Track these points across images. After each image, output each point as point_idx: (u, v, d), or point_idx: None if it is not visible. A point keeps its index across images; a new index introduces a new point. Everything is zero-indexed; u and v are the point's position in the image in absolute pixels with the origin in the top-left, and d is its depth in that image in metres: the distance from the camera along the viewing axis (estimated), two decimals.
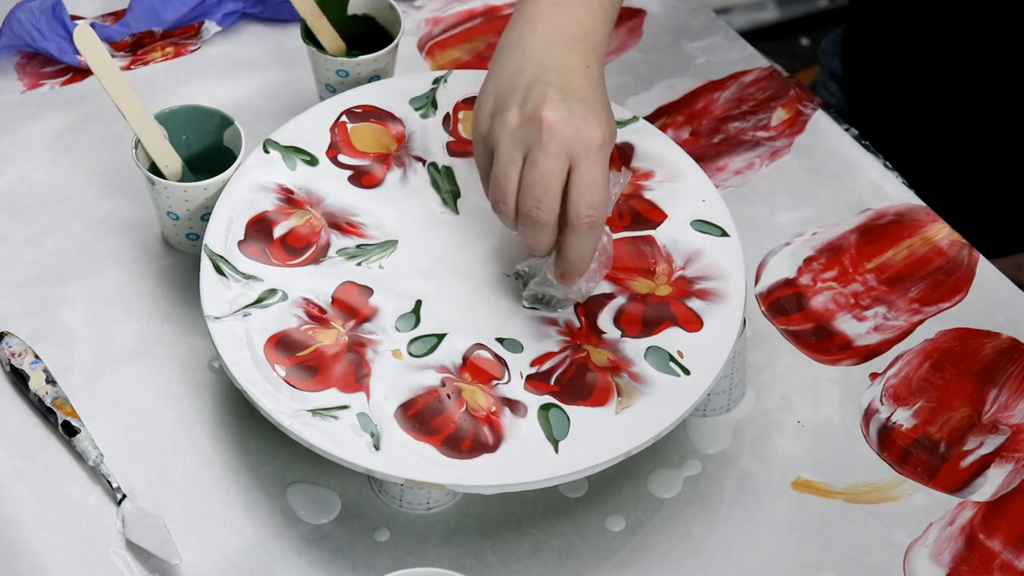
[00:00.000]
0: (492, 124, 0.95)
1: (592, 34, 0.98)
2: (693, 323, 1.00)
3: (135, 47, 1.24)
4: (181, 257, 1.11)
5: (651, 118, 1.21)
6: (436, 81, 1.13)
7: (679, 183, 1.07)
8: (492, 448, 0.94)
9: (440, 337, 1.00)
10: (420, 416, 0.95)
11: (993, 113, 1.28)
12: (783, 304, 1.11)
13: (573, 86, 0.94)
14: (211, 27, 1.25)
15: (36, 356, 1.04)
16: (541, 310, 1.01)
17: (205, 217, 1.07)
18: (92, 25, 1.22)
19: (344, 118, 1.10)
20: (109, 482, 0.99)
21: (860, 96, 1.39)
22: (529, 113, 0.93)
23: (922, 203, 1.17)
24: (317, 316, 1.00)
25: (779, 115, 1.23)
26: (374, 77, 1.15)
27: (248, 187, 1.05)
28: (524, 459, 0.94)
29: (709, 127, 1.22)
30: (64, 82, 1.22)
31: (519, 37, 0.98)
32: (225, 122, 1.09)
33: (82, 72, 1.22)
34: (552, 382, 0.98)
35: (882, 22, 1.33)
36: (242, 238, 1.03)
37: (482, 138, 0.97)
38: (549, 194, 0.93)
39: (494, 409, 0.96)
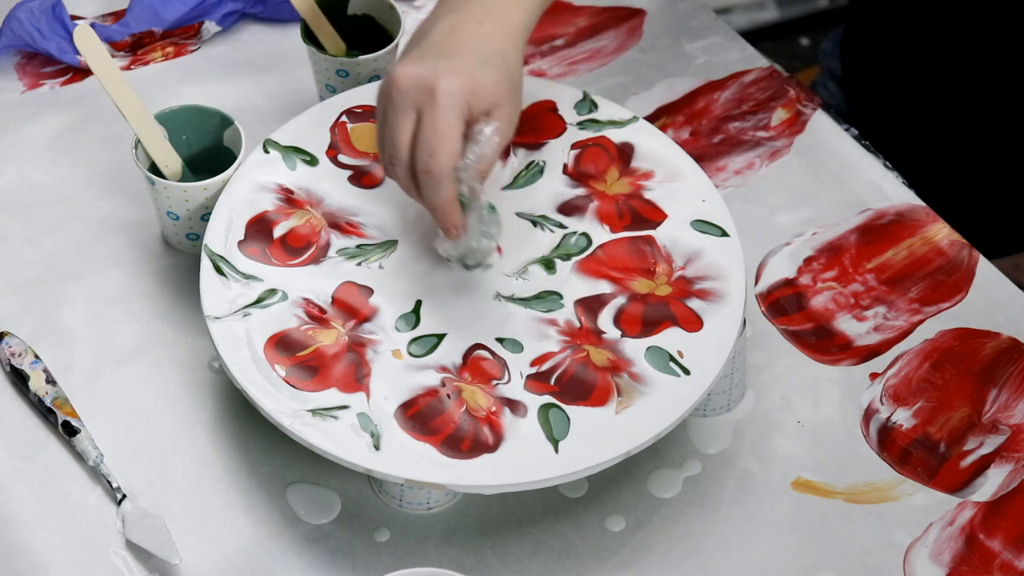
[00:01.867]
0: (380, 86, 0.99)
1: (505, 3, 0.99)
2: (693, 323, 1.00)
3: (135, 47, 1.24)
4: (181, 257, 1.11)
5: (651, 118, 1.21)
6: None
7: (679, 183, 1.07)
8: (492, 448, 0.94)
9: (440, 337, 1.00)
10: (420, 416, 0.95)
11: (993, 113, 1.28)
12: (783, 304, 1.11)
13: (448, 42, 0.96)
14: (211, 27, 1.25)
15: (36, 356, 1.04)
16: (470, 269, 1.02)
17: (205, 217, 1.07)
18: (92, 25, 1.22)
19: (344, 118, 1.10)
20: (109, 482, 0.99)
21: (860, 96, 1.39)
22: (389, 72, 0.96)
23: (922, 203, 1.17)
24: (317, 316, 1.00)
25: (779, 115, 1.23)
26: (374, 77, 1.15)
27: (248, 187, 1.05)
28: (524, 459, 0.94)
29: (709, 127, 1.22)
30: (64, 82, 1.22)
31: (431, 15, 1.00)
32: (225, 122, 1.09)
33: (82, 72, 1.22)
34: (552, 382, 0.98)
35: (882, 22, 1.33)
36: (242, 238, 1.03)
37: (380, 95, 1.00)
38: (398, 148, 0.95)
39: (494, 409, 0.96)
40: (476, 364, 0.98)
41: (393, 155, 0.96)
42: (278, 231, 1.04)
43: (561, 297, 1.02)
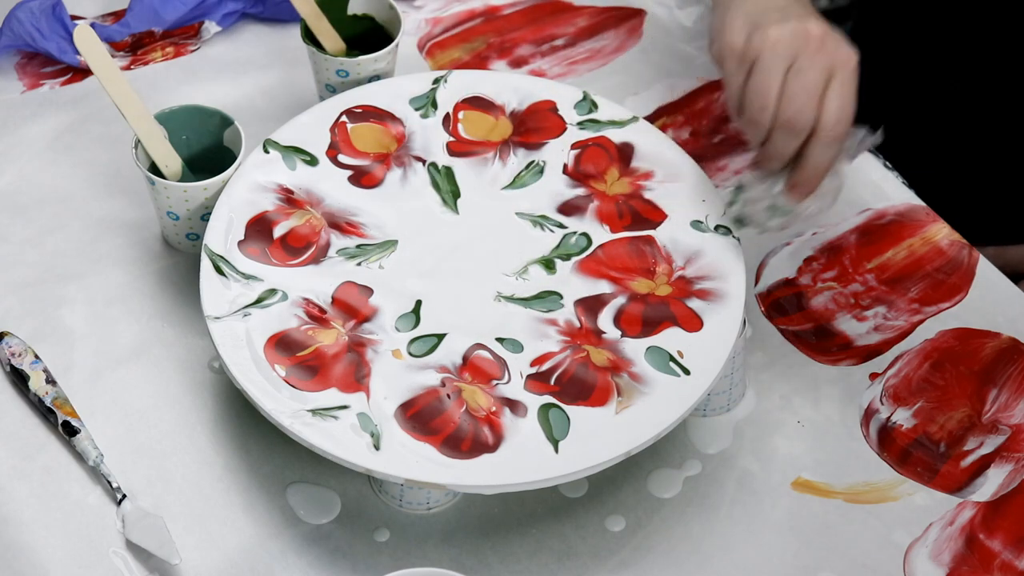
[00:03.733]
0: (750, 41, 0.99)
1: None
2: (693, 323, 1.00)
3: (135, 47, 1.24)
4: (181, 257, 1.12)
5: (651, 118, 1.22)
6: (436, 81, 1.13)
7: (679, 183, 1.07)
8: (492, 448, 0.94)
9: (440, 337, 1.00)
10: (420, 416, 0.95)
11: (994, 113, 1.27)
12: (783, 304, 1.11)
13: (818, 17, 0.99)
14: (211, 27, 1.25)
15: (36, 356, 1.04)
16: (738, 230, 1.03)
17: (205, 217, 1.07)
18: (92, 25, 1.22)
19: (344, 118, 1.10)
20: (109, 482, 0.99)
21: (866, 92, 1.39)
22: (793, 27, 0.97)
23: (922, 203, 1.17)
24: (317, 316, 1.00)
25: None
26: (374, 77, 1.15)
27: (248, 187, 1.05)
28: (524, 459, 0.94)
29: (709, 127, 1.22)
30: (64, 82, 1.22)
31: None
32: (225, 122, 1.09)
33: (82, 72, 1.22)
34: (552, 382, 0.98)
35: (889, 19, 1.33)
36: (242, 238, 1.03)
37: (738, 55, 0.99)
38: (812, 102, 0.97)
39: (494, 409, 0.96)
40: (476, 364, 0.98)
41: (803, 106, 0.97)
42: (278, 231, 1.04)
43: (561, 297, 1.02)
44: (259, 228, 1.04)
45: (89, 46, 1.03)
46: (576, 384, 0.97)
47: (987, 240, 1.16)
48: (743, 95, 0.99)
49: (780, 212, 1.02)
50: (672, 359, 0.98)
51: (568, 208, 1.07)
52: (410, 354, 0.98)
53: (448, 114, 1.11)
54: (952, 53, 1.27)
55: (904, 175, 1.19)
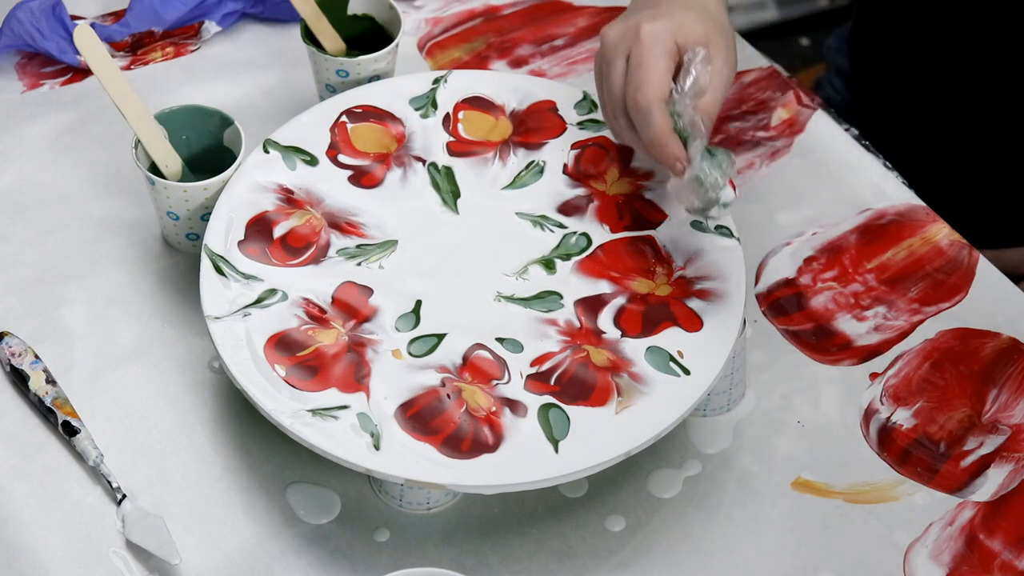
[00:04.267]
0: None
1: None
2: (693, 323, 1.00)
3: (135, 47, 1.24)
4: (181, 257, 1.11)
5: None
6: (436, 81, 1.13)
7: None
8: (492, 448, 0.94)
9: (440, 337, 1.00)
10: (420, 416, 0.95)
11: (995, 113, 1.27)
12: (783, 304, 1.11)
13: (648, 2, 1.01)
14: (211, 27, 1.25)
15: (36, 356, 1.04)
16: (709, 218, 1.01)
17: (205, 217, 1.07)
18: (92, 25, 1.22)
19: (344, 118, 1.10)
20: (109, 482, 0.99)
21: (866, 92, 1.39)
22: (625, 25, 0.99)
23: (922, 203, 1.17)
24: (317, 316, 1.00)
25: (779, 115, 1.23)
26: (374, 77, 1.15)
27: (248, 187, 1.05)
28: (524, 459, 0.94)
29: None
30: (64, 82, 1.22)
31: None
32: (225, 122, 1.09)
33: (82, 72, 1.22)
34: (552, 382, 0.98)
35: (890, 18, 1.33)
36: (242, 238, 1.03)
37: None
38: (613, 94, 0.98)
39: (494, 409, 0.96)
40: (476, 364, 0.98)
41: (610, 103, 0.99)
42: (278, 231, 1.04)
43: (561, 297, 1.02)
44: (259, 228, 1.04)
45: (89, 46, 1.03)
46: (576, 384, 0.97)
47: (985, 243, 1.16)
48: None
49: (703, 187, 0.98)
50: (672, 359, 0.98)
51: (568, 208, 1.07)
52: (410, 354, 0.98)
53: (448, 114, 1.11)
54: (952, 53, 1.27)
55: (904, 175, 1.19)
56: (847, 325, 1.10)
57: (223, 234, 1.03)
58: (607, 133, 1.10)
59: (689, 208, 0.99)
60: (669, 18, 0.98)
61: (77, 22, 1.19)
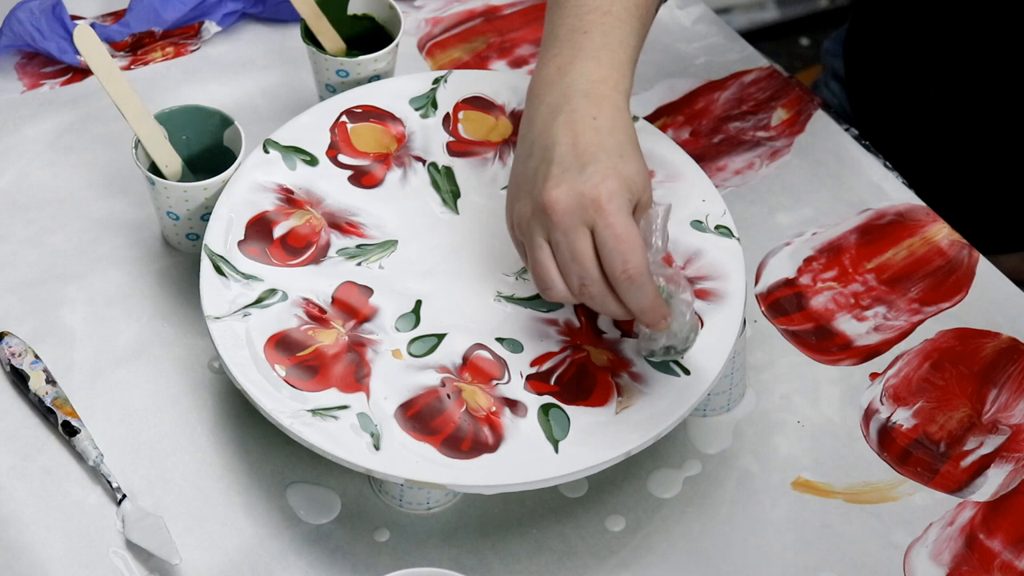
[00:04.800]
0: (512, 214, 0.96)
1: (601, 83, 0.96)
2: (695, 318, 1.00)
3: (135, 47, 1.24)
4: (181, 257, 1.12)
5: (651, 118, 1.22)
6: (436, 81, 1.13)
7: (679, 183, 1.07)
8: (492, 448, 0.94)
9: (440, 337, 1.00)
10: (420, 416, 0.95)
11: (994, 113, 1.27)
12: (783, 304, 1.11)
13: (577, 149, 0.93)
14: (211, 27, 1.25)
15: (36, 356, 1.04)
16: (671, 359, 0.98)
17: (205, 217, 1.07)
18: (92, 25, 1.22)
19: (344, 118, 1.10)
20: (109, 482, 0.99)
21: (863, 96, 1.39)
22: (535, 198, 0.93)
23: (922, 203, 1.17)
24: (317, 316, 1.00)
25: (779, 115, 1.23)
26: (374, 77, 1.15)
27: (248, 187, 1.05)
28: (524, 459, 0.94)
29: (709, 127, 1.22)
30: (64, 82, 1.22)
31: (529, 116, 0.97)
32: (225, 122, 1.09)
33: (82, 72, 1.22)
34: (552, 382, 0.98)
35: (885, 22, 1.33)
36: (242, 238, 1.03)
37: (510, 229, 0.97)
38: (586, 268, 0.92)
39: (494, 409, 0.96)
40: (476, 364, 0.98)
41: (584, 276, 0.92)
42: (278, 231, 1.04)
43: None
44: (259, 228, 1.04)
45: (89, 46, 1.03)
46: (576, 384, 0.97)
47: (982, 248, 1.16)
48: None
49: (677, 335, 0.96)
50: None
51: None
52: (410, 354, 0.98)
53: (448, 114, 1.11)
54: (948, 58, 1.27)
55: (904, 175, 1.19)
56: (847, 325, 1.10)
57: (223, 234, 1.03)
58: None
59: (652, 354, 0.97)
60: (617, 176, 0.92)
61: (77, 22, 1.19)
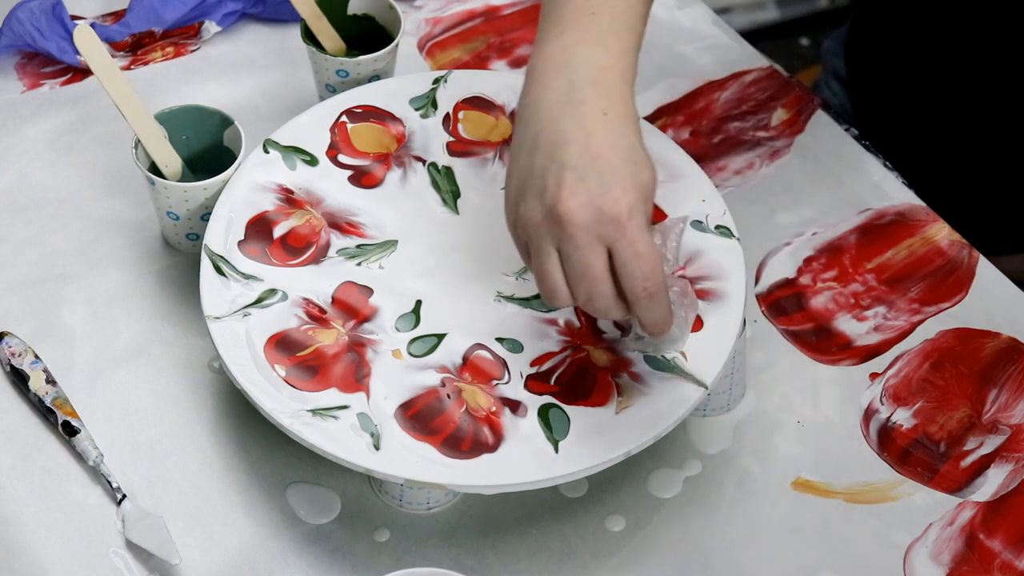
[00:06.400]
0: (518, 214, 0.92)
1: (609, 69, 0.93)
2: (693, 323, 1.00)
3: (135, 47, 1.24)
4: (181, 257, 1.12)
5: (651, 118, 1.22)
6: (436, 81, 1.13)
7: (679, 183, 1.07)
8: (492, 448, 0.94)
9: (440, 337, 1.00)
10: (420, 416, 0.95)
11: (995, 113, 1.27)
12: (783, 304, 1.11)
13: (591, 152, 0.89)
14: (211, 27, 1.25)
15: (36, 356, 1.04)
16: (660, 355, 0.98)
17: (205, 217, 1.07)
18: (92, 25, 1.22)
19: (344, 118, 1.10)
20: (109, 482, 0.99)
21: (863, 96, 1.39)
22: (549, 206, 0.89)
23: (922, 203, 1.17)
24: (317, 316, 1.00)
25: (779, 115, 1.23)
26: (374, 77, 1.15)
27: (248, 187, 1.05)
28: (524, 459, 0.94)
29: (709, 127, 1.22)
30: (64, 82, 1.22)
31: (533, 99, 0.93)
32: (225, 122, 1.09)
33: (82, 72, 1.22)
34: (552, 382, 0.98)
35: (886, 22, 1.33)
36: (242, 238, 1.03)
37: (512, 226, 0.93)
38: (597, 285, 0.89)
39: (494, 409, 0.96)
40: (476, 364, 0.98)
41: (593, 292, 0.89)
42: (278, 231, 1.04)
43: None
44: (259, 228, 1.04)
45: (89, 46, 1.03)
46: (576, 384, 0.97)
47: (983, 250, 1.16)
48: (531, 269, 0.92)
49: (662, 344, 0.97)
50: (672, 359, 0.98)
51: None
52: (410, 354, 0.99)
53: (448, 114, 1.11)
54: (949, 58, 1.27)
55: (904, 175, 1.19)
56: (847, 325, 1.10)
57: (223, 234, 1.03)
58: None
59: (639, 349, 0.98)
60: (635, 189, 0.89)
61: (77, 22, 1.19)
